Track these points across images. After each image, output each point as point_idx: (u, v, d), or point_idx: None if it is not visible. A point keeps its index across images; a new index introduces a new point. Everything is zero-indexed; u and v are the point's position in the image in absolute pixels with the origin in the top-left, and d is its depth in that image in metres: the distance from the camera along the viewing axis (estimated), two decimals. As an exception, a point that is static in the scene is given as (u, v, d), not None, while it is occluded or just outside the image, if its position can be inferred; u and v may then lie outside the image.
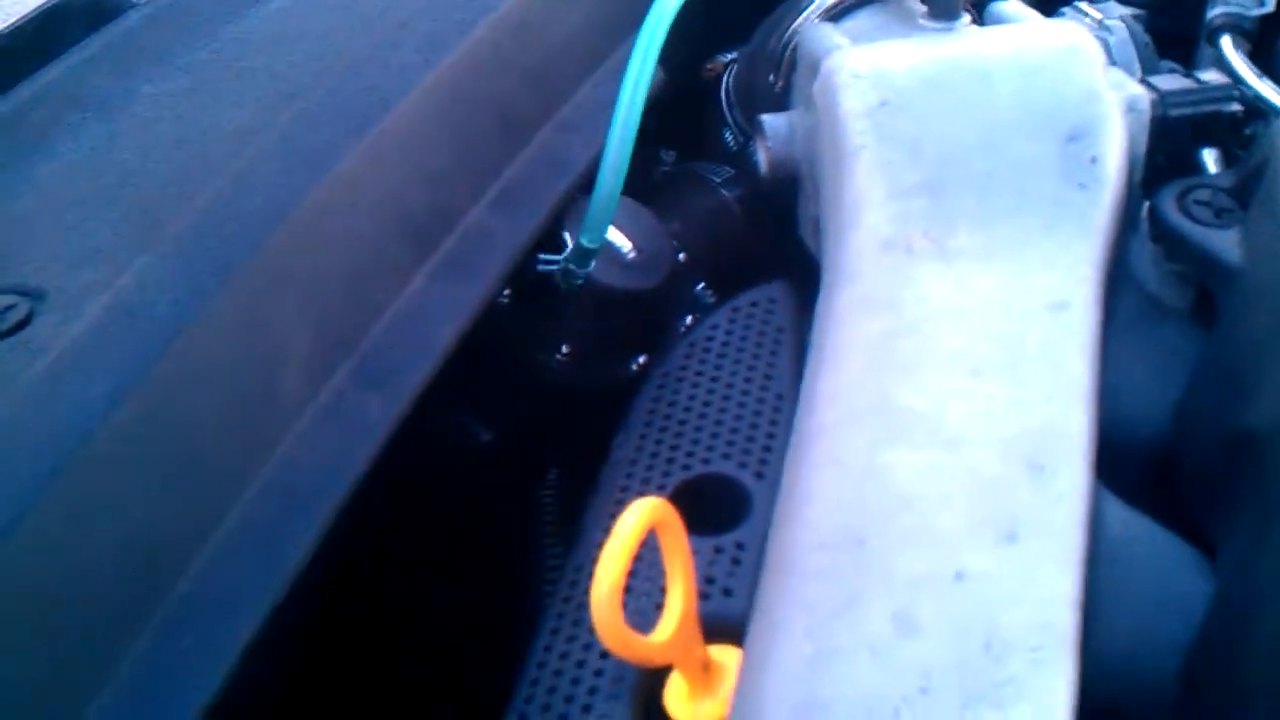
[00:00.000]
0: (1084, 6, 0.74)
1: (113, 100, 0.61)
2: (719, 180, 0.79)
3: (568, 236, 0.64)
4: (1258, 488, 0.44)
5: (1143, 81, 0.61)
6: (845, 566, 0.41)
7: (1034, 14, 0.64)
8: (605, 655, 0.50)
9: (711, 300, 0.76)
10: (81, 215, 0.53)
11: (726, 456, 0.57)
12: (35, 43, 0.70)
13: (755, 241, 0.78)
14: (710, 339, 0.64)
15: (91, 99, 0.61)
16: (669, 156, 0.87)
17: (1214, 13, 0.74)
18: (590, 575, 0.38)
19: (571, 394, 0.71)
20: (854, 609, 0.40)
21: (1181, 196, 0.56)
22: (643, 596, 0.51)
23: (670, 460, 0.58)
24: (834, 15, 0.69)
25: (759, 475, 0.56)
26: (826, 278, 0.54)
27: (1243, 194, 0.55)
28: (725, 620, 0.49)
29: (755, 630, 0.42)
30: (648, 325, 0.72)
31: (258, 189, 0.54)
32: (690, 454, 0.58)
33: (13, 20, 0.75)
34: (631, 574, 0.51)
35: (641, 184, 0.70)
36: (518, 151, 0.66)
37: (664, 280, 0.69)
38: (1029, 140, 0.54)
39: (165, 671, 0.43)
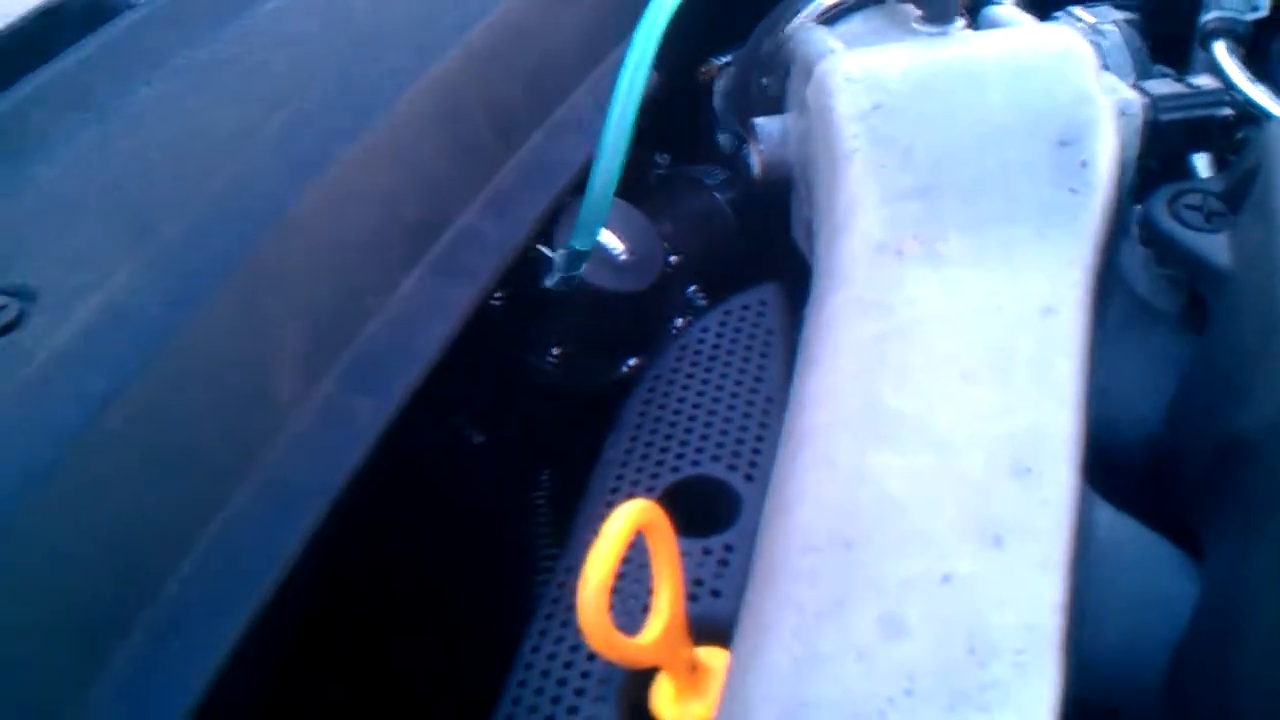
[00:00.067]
0: (1078, 11, 0.74)
1: (108, 102, 0.61)
2: (712, 183, 0.79)
3: (560, 239, 0.64)
4: (1247, 491, 0.44)
5: (1135, 86, 0.61)
6: (833, 569, 0.41)
7: (1028, 18, 0.64)
8: (593, 657, 0.50)
9: (703, 302, 0.76)
10: (75, 216, 0.53)
11: (716, 459, 0.57)
12: (31, 43, 0.70)
13: (747, 244, 0.78)
14: (701, 341, 0.65)
15: (87, 100, 0.61)
16: (663, 159, 0.87)
17: (1207, 17, 0.74)
18: (579, 577, 0.38)
19: (563, 395, 0.71)
20: (841, 611, 0.40)
21: (1173, 201, 0.56)
22: (631, 598, 0.51)
23: (660, 462, 0.58)
24: (828, 19, 0.69)
25: (748, 478, 0.56)
26: (818, 281, 0.54)
27: (1234, 198, 0.55)
28: (713, 622, 0.49)
29: (742, 632, 0.42)
30: (639, 327, 0.72)
31: (251, 191, 0.54)
32: (680, 456, 0.58)
33: (9, 20, 0.75)
34: (620, 575, 0.51)
35: (635, 186, 0.70)
36: (511, 154, 0.66)
37: (655, 282, 0.69)
38: (1021, 144, 0.54)
39: (154, 673, 0.43)
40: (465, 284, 0.59)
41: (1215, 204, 0.56)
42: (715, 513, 0.55)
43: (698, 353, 0.64)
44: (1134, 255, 0.59)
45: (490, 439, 0.73)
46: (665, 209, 0.76)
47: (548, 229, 0.65)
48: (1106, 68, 0.64)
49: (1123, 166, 0.55)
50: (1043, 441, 0.44)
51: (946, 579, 0.40)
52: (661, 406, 0.61)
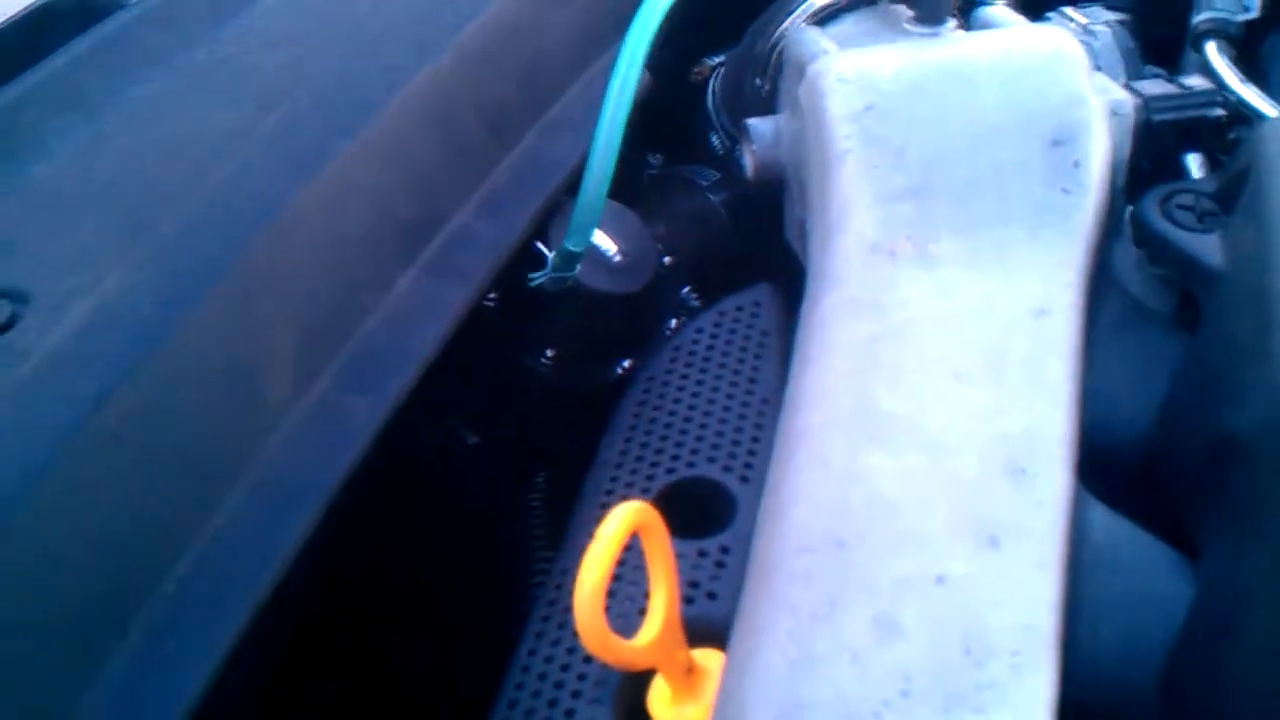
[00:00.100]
0: (1070, 11, 0.75)
1: (101, 101, 0.61)
2: (705, 184, 0.79)
3: (553, 240, 0.64)
4: (1241, 490, 0.44)
5: (1127, 86, 0.61)
6: (827, 570, 0.42)
7: (1020, 18, 0.64)
8: (589, 659, 0.50)
9: (697, 303, 0.76)
10: (68, 216, 0.53)
11: (711, 460, 0.57)
12: (25, 42, 0.70)
13: (741, 245, 0.78)
14: (695, 342, 0.65)
15: (80, 100, 0.61)
16: (656, 160, 0.87)
17: (1199, 18, 0.74)
18: (574, 579, 0.38)
19: (557, 397, 0.71)
20: (836, 612, 0.40)
21: (1165, 201, 0.56)
22: (626, 600, 0.51)
23: (655, 464, 0.58)
24: (821, 20, 0.69)
25: (743, 479, 0.56)
26: (812, 281, 0.54)
27: (1226, 199, 0.55)
28: (709, 624, 0.49)
29: (738, 634, 0.42)
30: (633, 328, 0.72)
31: (244, 190, 0.54)
32: (675, 457, 0.58)
33: (2, 19, 0.75)
34: (616, 578, 0.51)
35: (629, 187, 0.70)
36: (504, 154, 0.66)
37: (649, 283, 0.69)
38: (1013, 144, 0.54)
39: (150, 673, 0.43)
40: (459, 284, 0.59)
41: (1207, 204, 0.56)
42: (711, 514, 0.55)
43: (692, 354, 0.64)
44: (1126, 255, 0.60)
45: (485, 440, 0.73)
46: (659, 210, 0.76)
47: (542, 229, 0.65)
48: (1098, 68, 0.64)
49: (1115, 167, 0.55)
50: (1036, 442, 0.44)
51: (941, 580, 0.41)
52: (656, 408, 0.61)
